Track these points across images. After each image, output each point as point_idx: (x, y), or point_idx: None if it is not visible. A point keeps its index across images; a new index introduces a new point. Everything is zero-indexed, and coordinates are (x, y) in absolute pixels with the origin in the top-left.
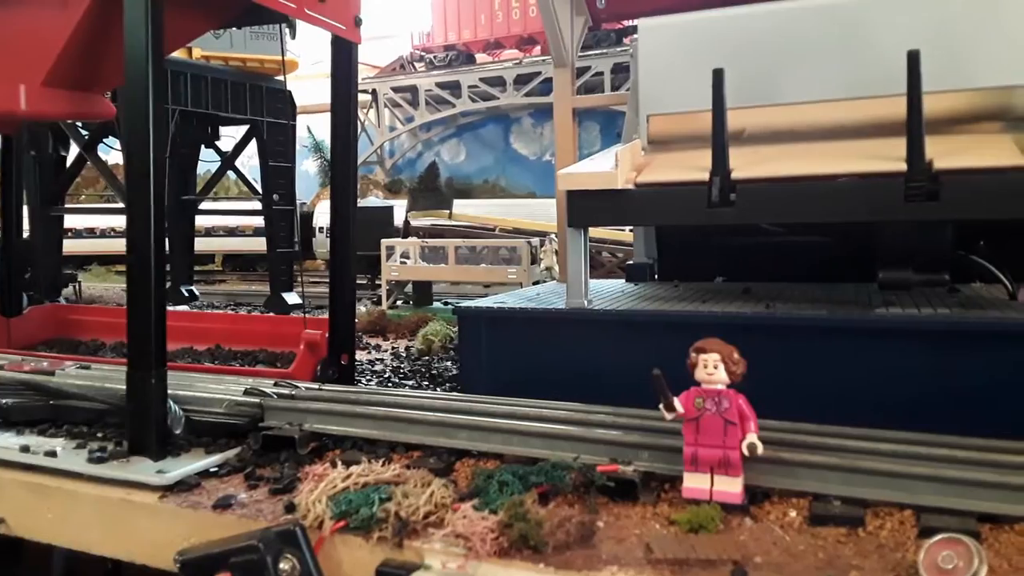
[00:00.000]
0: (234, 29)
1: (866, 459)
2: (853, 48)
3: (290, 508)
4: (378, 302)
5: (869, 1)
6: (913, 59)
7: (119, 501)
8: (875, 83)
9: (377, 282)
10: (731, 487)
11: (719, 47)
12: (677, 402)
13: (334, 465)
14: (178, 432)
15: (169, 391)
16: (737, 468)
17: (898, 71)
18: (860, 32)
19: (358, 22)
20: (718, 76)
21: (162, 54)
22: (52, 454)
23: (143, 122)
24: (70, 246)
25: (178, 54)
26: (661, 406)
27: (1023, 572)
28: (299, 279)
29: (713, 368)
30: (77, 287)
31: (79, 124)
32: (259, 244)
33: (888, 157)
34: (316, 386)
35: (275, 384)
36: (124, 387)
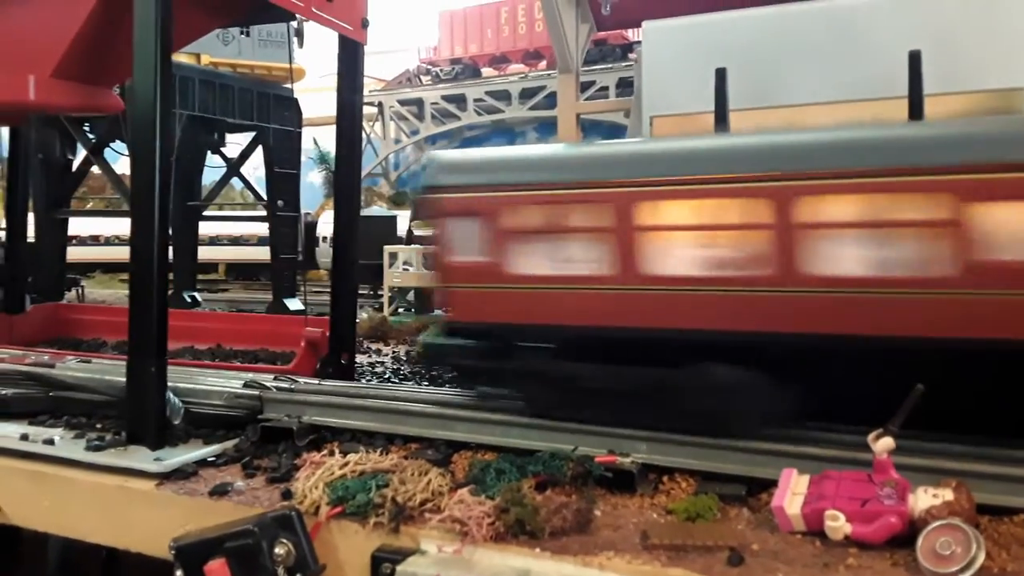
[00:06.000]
0: (243, 37)
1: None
2: (855, 51)
3: (287, 495)
4: (380, 309)
5: (870, 4)
6: (915, 60)
7: (116, 488)
8: (877, 85)
9: (379, 292)
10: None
11: (722, 49)
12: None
13: (332, 454)
14: (177, 423)
15: (169, 383)
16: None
17: (899, 73)
18: (862, 35)
19: (365, 23)
20: (720, 75)
21: (170, 49)
22: (50, 442)
23: (150, 116)
24: (74, 253)
25: (187, 60)
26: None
27: (1021, 562)
28: (302, 288)
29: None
30: (80, 291)
31: (86, 128)
32: (263, 253)
33: None
34: (315, 380)
35: (274, 378)
36: (124, 379)
